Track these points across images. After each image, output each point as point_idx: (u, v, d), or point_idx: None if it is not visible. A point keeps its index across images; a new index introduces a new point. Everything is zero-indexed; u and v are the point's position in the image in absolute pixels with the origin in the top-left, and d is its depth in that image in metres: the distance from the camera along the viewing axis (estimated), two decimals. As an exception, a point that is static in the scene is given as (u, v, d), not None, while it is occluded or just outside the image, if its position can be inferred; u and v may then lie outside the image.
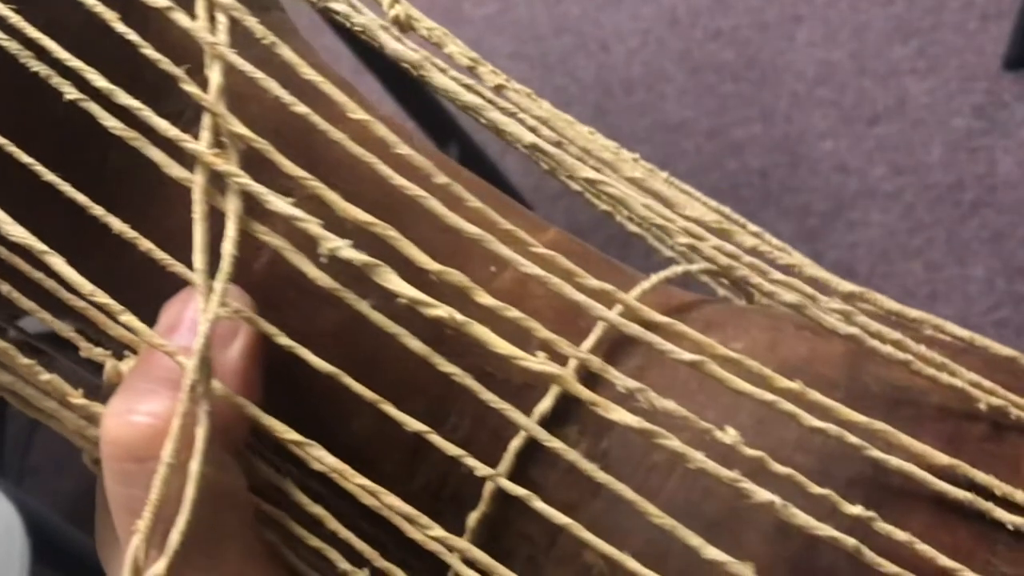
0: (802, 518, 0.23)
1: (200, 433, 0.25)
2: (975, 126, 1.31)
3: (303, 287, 0.26)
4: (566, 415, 0.27)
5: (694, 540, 0.24)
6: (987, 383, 0.24)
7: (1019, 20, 1.29)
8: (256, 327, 0.26)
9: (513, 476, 0.27)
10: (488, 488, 0.27)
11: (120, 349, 0.28)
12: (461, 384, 0.26)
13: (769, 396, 0.24)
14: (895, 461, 0.23)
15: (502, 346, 0.25)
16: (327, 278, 0.26)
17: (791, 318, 0.27)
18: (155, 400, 0.26)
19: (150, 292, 0.27)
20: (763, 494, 0.23)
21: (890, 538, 0.23)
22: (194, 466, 0.25)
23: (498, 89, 0.30)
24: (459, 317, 0.25)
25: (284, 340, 0.26)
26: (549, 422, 0.27)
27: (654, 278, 0.29)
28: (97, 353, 0.28)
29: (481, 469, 0.25)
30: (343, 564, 0.27)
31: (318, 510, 0.27)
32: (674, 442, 0.24)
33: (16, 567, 0.84)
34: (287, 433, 0.26)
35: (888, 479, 0.24)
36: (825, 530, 0.23)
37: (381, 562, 0.26)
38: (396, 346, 0.26)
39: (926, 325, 0.27)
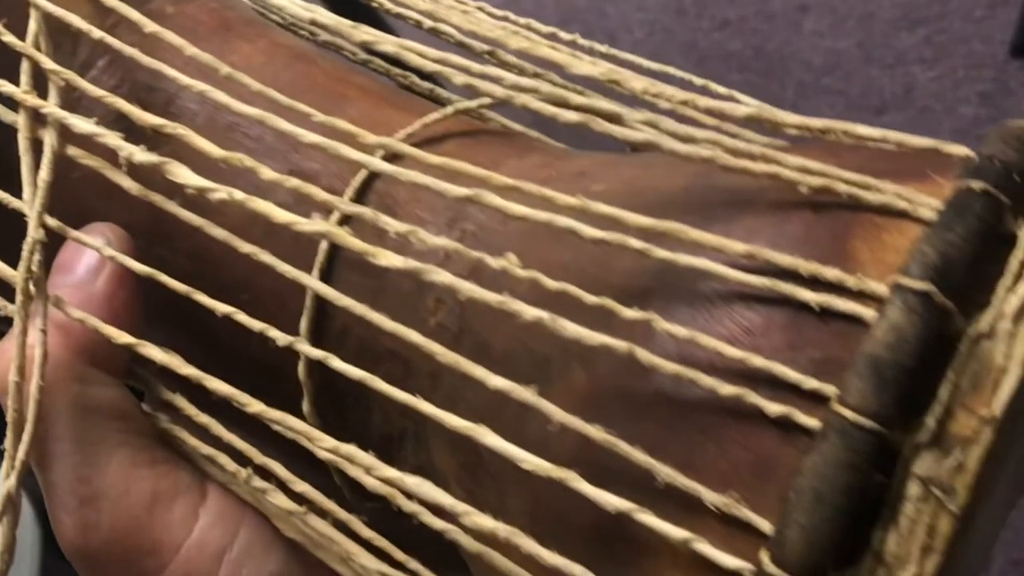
0: (571, 329, 0.23)
1: (37, 352, 0.27)
2: (982, 114, 1.31)
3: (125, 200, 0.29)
4: (347, 268, 0.29)
5: (478, 371, 0.24)
6: (814, 165, 0.23)
7: (1026, 7, 1.29)
8: (116, 260, 0.29)
9: (316, 340, 0.28)
10: (302, 362, 0.29)
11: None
12: (262, 263, 0.27)
13: (545, 215, 0.24)
14: (683, 258, 0.22)
15: (279, 215, 0.26)
16: (136, 187, 0.28)
17: (662, 158, 0.27)
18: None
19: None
20: (531, 312, 0.23)
21: (671, 336, 0.22)
22: (32, 386, 0.27)
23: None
24: (238, 195, 0.26)
25: (141, 267, 0.28)
26: (329, 277, 0.28)
27: (429, 117, 0.30)
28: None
29: (282, 339, 0.26)
30: (231, 466, 0.28)
31: (205, 419, 0.28)
32: (442, 275, 0.24)
33: (27, 556, 0.84)
34: (145, 347, 0.28)
35: (678, 279, 0.23)
36: (595, 338, 0.22)
37: (261, 459, 0.28)
38: (219, 249, 0.27)
39: (832, 132, 0.26)
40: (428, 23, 0.33)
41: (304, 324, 0.29)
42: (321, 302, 0.28)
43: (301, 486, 0.28)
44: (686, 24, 1.42)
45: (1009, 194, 0.21)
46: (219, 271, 0.30)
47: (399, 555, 0.27)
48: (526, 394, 0.23)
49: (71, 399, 0.28)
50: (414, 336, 0.25)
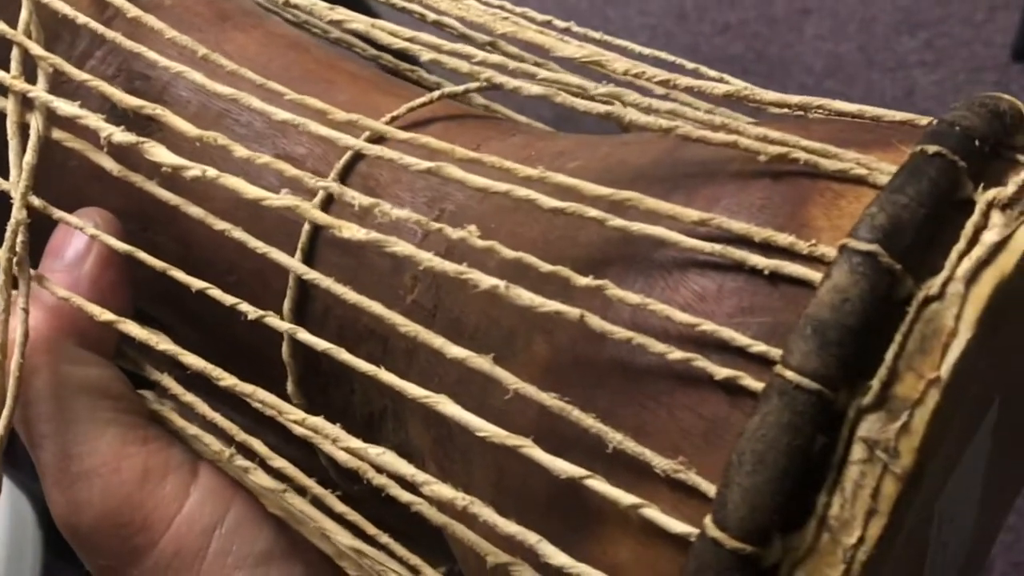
0: (526, 296, 0.23)
1: (18, 330, 0.28)
2: (983, 117, 1.30)
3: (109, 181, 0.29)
4: (328, 247, 0.29)
5: (436, 341, 0.24)
6: (774, 134, 0.23)
7: (1027, 11, 1.29)
8: (101, 242, 0.29)
9: (299, 320, 0.29)
10: (285, 343, 0.29)
11: None
12: (236, 240, 0.27)
13: (504, 186, 0.24)
14: (638, 226, 0.22)
15: (250, 191, 0.26)
16: (117, 167, 0.29)
17: (641, 136, 0.27)
18: None
19: None
20: (488, 280, 0.23)
21: (623, 303, 0.22)
22: (12, 363, 0.28)
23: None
24: (211, 172, 0.27)
25: (123, 246, 0.29)
26: (311, 257, 0.29)
27: (415, 101, 0.30)
28: None
29: (252, 312, 0.27)
30: (216, 445, 0.29)
31: (190, 398, 0.29)
32: (400, 246, 0.24)
33: (30, 558, 0.84)
34: (125, 324, 0.29)
35: (634, 247, 0.23)
36: (548, 305, 0.22)
37: (242, 436, 0.28)
38: (204, 232, 0.28)
39: (810, 107, 0.26)
40: (416, 8, 0.33)
41: (287, 305, 0.29)
42: (303, 283, 0.28)
43: (279, 462, 0.28)
44: (687, 28, 1.42)
45: (967, 159, 0.21)
46: (205, 254, 0.30)
47: (371, 529, 0.27)
48: (483, 363, 0.23)
49: (60, 379, 0.28)
50: (382, 310, 0.25)
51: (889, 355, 0.19)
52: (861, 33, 1.38)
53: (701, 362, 0.21)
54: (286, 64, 0.32)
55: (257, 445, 0.28)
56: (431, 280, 0.27)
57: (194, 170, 0.27)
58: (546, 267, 0.23)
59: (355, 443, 0.25)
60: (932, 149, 0.21)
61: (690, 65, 0.33)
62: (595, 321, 0.22)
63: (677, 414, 0.21)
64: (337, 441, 0.25)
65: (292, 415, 0.26)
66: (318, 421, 0.26)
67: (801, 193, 0.22)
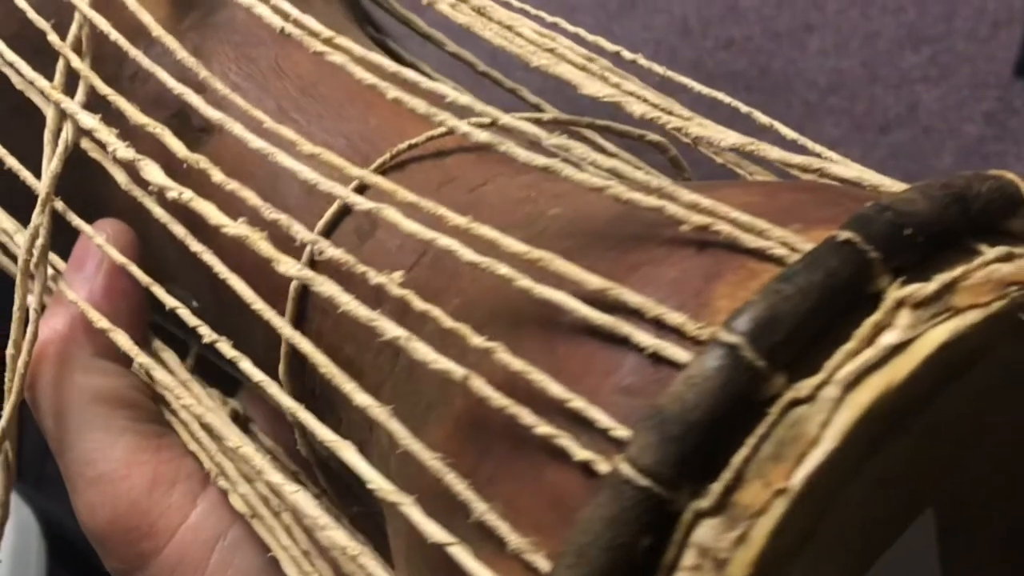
0: (421, 351, 0.22)
1: (28, 330, 0.29)
2: (987, 133, 1.31)
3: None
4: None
5: (347, 386, 0.24)
6: (705, 203, 0.21)
7: (1030, 27, 1.29)
8: (109, 254, 0.30)
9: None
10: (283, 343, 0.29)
11: None
12: (207, 263, 0.28)
13: (430, 234, 0.24)
14: (538, 289, 0.22)
15: (214, 217, 0.27)
16: (125, 180, 0.30)
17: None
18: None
19: None
20: (393, 330, 0.23)
21: (506, 368, 0.21)
22: (19, 361, 0.30)
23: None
24: (186, 195, 0.27)
25: (119, 256, 0.30)
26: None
27: (438, 130, 0.30)
28: None
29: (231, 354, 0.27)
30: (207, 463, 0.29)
31: (185, 375, 0.30)
32: (326, 286, 0.25)
33: (33, 569, 0.84)
34: (115, 333, 0.30)
35: (534, 309, 0.22)
36: (440, 363, 0.22)
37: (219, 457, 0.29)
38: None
39: (809, 169, 0.25)
40: (438, 37, 0.34)
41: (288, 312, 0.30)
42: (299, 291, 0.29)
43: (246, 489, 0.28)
44: (691, 44, 1.42)
45: (889, 249, 0.19)
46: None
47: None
48: (379, 413, 0.23)
49: (79, 389, 0.30)
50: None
51: (737, 458, 0.18)
52: (864, 49, 1.38)
53: (565, 440, 0.20)
54: (334, 84, 0.32)
55: (230, 469, 0.29)
56: None
57: (173, 191, 0.28)
58: (448, 323, 0.23)
59: (275, 478, 0.26)
60: (844, 236, 0.19)
61: (705, 90, 0.33)
62: (476, 384, 0.21)
63: (543, 490, 0.20)
64: (261, 474, 0.26)
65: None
66: (248, 451, 0.27)
67: (714, 269, 0.21)
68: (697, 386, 0.18)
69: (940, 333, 0.19)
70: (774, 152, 0.25)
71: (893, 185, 0.24)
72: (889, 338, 0.19)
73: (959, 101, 1.32)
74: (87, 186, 0.32)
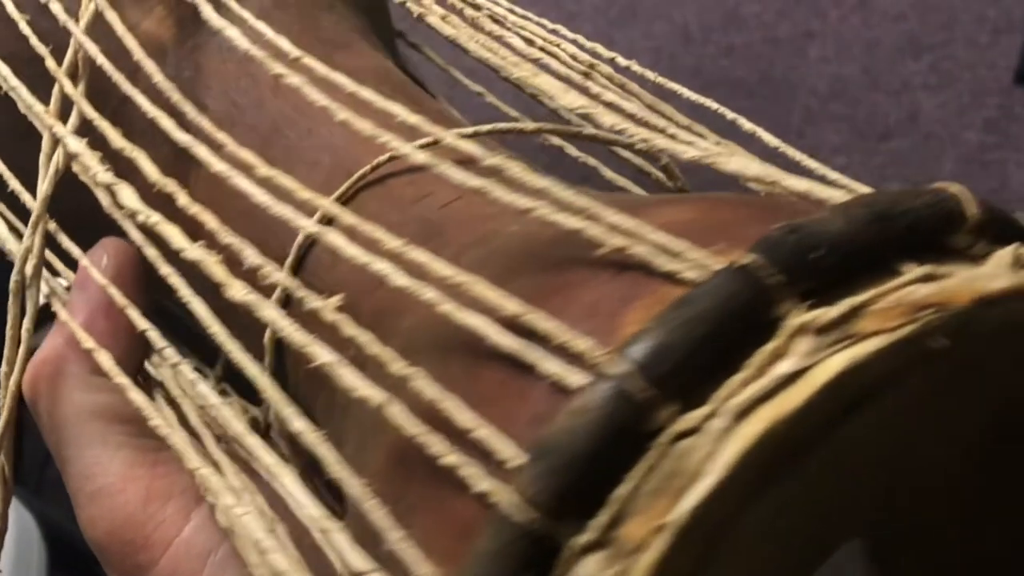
0: (347, 378, 0.22)
1: (21, 350, 0.31)
2: (987, 140, 1.31)
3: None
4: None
5: (285, 411, 0.24)
6: (627, 224, 0.21)
7: (1031, 34, 1.29)
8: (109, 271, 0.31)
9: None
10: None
11: None
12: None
13: (365, 259, 0.24)
14: (458, 314, 0.21)
15: (176, 240, 0.27)
16: (108, 202, 0.30)
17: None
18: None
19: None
20: (325, 355, 0.23)
21: (420, 395, 0.21)
22: (12, 379, 0.31)
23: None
24: (153, 219, 0.28)
25: (100, 278, 0.30)
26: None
27: (419, 142, 0.29)
28: None
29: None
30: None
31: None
32: (268, 311, 0.25)
33: (35, 574, 0.84)
34: (99, 353, 0.30)
35: (455, 336, 0.22)
36: (361, 389, 0.22)
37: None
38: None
39: (765, 182, 0.24)
40: (429, 54, 0.34)
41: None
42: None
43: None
44: (692, 50, 1.42)
45: (790, 273, 0.18)
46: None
47: None
48: (312, 439, 0.23)
49: (77, 405, 0.31)
50: (366, 341, 0.25)
51: (621, 491, 0.17)
52: (865, 56, 1.38)
53: (469, 470, 0.20)
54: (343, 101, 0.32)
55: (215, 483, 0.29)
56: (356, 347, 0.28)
57: (141, 215, 0.28)
58: (375, 348, 0.22)
59: (229, 501, 0.26)
60: (745, 260, 0.18)
61: (695, 96, 0.33)
62: (392, 411, 0.21)
63: (451, 520, 0.20)
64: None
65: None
66: (205, 472, 0.27)
67: (630, 293, 0.20)
68: (582, 417, 0.18)
69: (838, 361, 0.18)
70: (731, 164, 0.25)
71: (844, 199, 0.22)
72: (784, 367, 0.18)
73: (960, 108, 1.32)
74: (85, 206, 0.32)
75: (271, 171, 0.28)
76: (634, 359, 0.18)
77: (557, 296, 0.21)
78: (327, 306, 0.24)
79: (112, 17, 0.32)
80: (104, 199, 0.30)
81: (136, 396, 0.29)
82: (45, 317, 0.34)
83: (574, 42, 0.35)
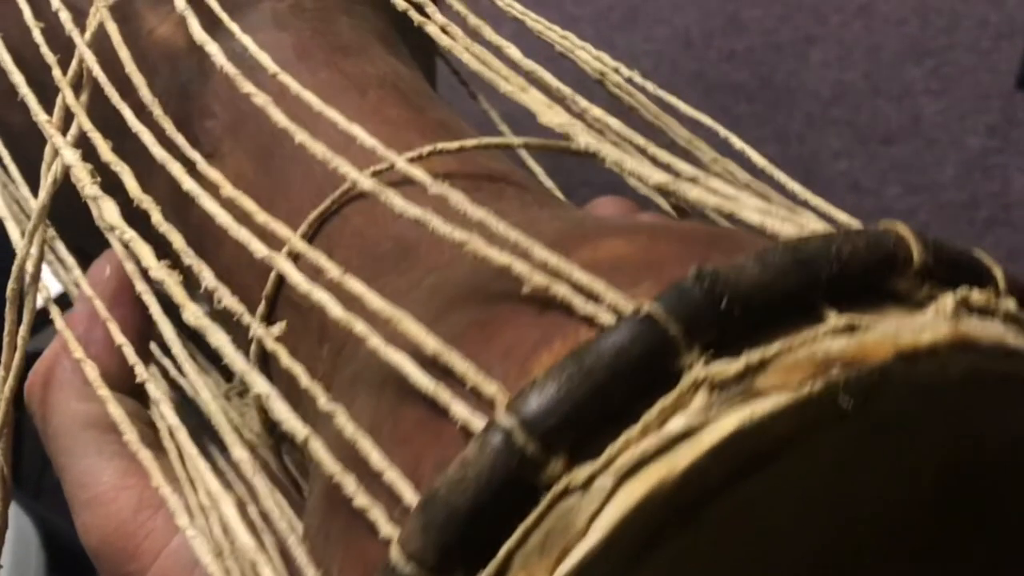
0: (277, 409, 0.22)
1: (16, 356, 0.31)
2: (989, 145, 1.30)
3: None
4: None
5: (227, 438, 0.24)
6: (554, 262, 0.20)
7: (1033, 39, 1.29)
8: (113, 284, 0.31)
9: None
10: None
11: None
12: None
13: (307, 287, 0.24)
14: (383, 350, 0.21)
15: (150, 265, 0.27)
16: (96, 214, 0.30)
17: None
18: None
19: None
20: (262, 385, 0.23)
21: (341, 434, 0.21)
22: (6, 386, 0.31)
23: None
24: (127, 235, 0.28)
25: (88, 290, 0.30)
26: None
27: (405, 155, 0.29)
28: None
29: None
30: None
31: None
32: (215, 337, 0.25)
33: (33, 579, 0.84)
34: (86, 364, 0.30)
35: (382, 372, 0.22)
36: (289, 423, 0.22)
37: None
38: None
39: (722, 212, 0.23)
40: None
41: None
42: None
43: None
44: (693, 55, 1.42)
45: (693, 324, 0.17)
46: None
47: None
48: (248, 469, 0.23)
49: (73, 414, 0.31)
50: (299, 373, 0.25)
51: (505, 548, 0.17)
52: (867, 61, 1.38)
53: (373, 513, 0.19)
54: (344, 111, 0.31)
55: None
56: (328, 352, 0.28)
57: (118, 231, 0.29)
58: (305, 380, 0.22)
59: (182, 522, 0.26)
60: (647, 309, 0.18)
61: (692, 111, 0.33)
62: (315, 446, 0.21)
63: (360, 560, 0.20)
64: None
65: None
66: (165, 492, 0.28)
67: (546, 335, 0.20)
68: (467, 470, 0.17)
69: (730, 421, 0.17)
70: (692, 193, 0.24)
71: (795, 233, 0.21)
72: (676, 424, 0.17)
73: (961, 113, 1.32)
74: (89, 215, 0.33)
75: (235, 192, 0.27)
76: (522, 412, 0.17)
77: (483, 333, 0.21)
78: (267, 335, 0.24)
79: (112, 29, 0.32)
80: (94, 211, 0.31)
81: (114, 410, 0.29)
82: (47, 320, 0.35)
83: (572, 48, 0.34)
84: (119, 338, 0.30)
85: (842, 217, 0.26)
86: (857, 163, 1.31)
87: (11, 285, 0.31)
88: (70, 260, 0.33)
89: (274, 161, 0.32)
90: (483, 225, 0.23)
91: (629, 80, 0.36)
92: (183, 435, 0.27)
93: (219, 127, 0.31)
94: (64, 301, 0.36)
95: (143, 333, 0.32)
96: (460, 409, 0.19)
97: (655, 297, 0.18)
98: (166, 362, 0.35)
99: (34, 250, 0.32)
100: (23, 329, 0.31)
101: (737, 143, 0.31)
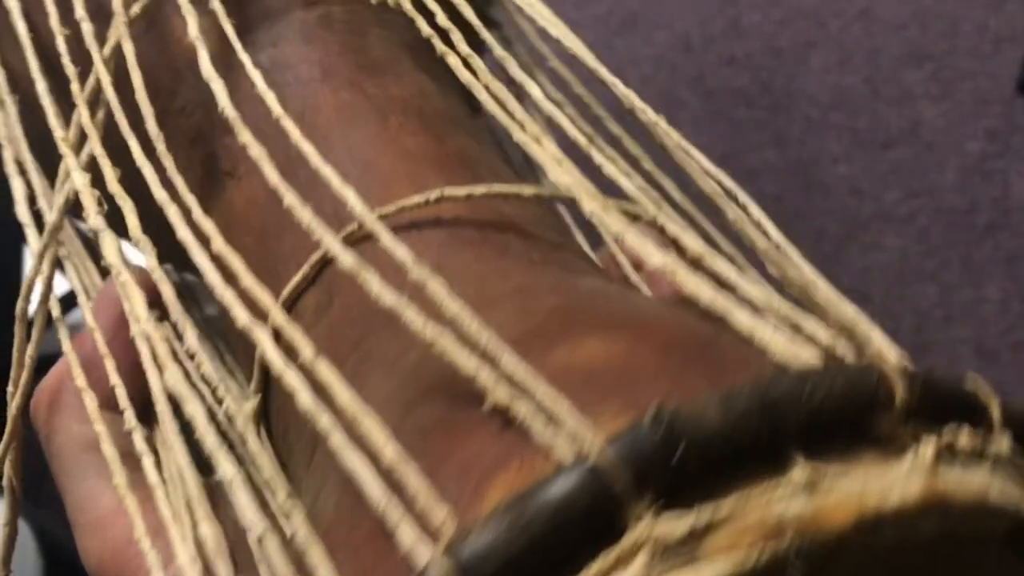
0: (241, 502, 0.22)
1: (24, 375, 0.31)
2: (989, 149, 1.30)
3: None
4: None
5: (217, 460, 0.23)
6: (520, 376, 0.19)
7: (1032, 44, 1.29)
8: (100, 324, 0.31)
9: None
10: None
11: None
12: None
13: (280, 365, 0.23)
14: (343, 450, 0.20)
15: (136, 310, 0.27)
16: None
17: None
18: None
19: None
20: (225, 469, 0.22)
21: (319, 519, 0.20)
22: (15, 401, 0.31)
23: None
24: (123, 277, 0.28)
25: (88, 314, 0.30)
26: None
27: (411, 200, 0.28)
28: None
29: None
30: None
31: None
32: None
33: (30, 588, 0.84)
34: (86, 393, 0.30)
35: (338, 464, 0.21)
36: (247, 515, 0.21)
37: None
38: None
39: (713, 312, 0.22)
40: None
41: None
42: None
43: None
44: (693, 59, 1.42)
45: (642, 477, 0.16)
46: None
47: None
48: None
49: (74, 437, 0.31)
50: (264, 463, 0.24)
51: None
52: (866, 65, 1.38)
53: None
54: (362, 136, 0.31)
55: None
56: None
57: (114, 270, 0.28)
58: (268, 472, 0.22)
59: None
60: (596, 458, 0.17)
61: (709, 165, 0.32)
62: (268, 546, 0.21)
63: None
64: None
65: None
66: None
67: (503, 457, 0.19)
68: None
69: None
70: (689, 284, 0.22)
71: (797, 356, 0.20)
72: None
73: (961, 118, 1.32)
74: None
75: (225, 248, 0.26)
76: (460, 555, 0.16)
77: (447, 438, 0.20)
78: (240, 412, 0.24)
79: (128, 49, 0.30)
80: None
81: (108, 449, 0.29)
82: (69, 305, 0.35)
83: (572, 59, 0.34)
84: (114, 378, 0.29)
85: (848, 311, 0.23)
86: (857, 167, 1.31)
87: (19, 304, 0.31)
88: (77, 284, 0.33)
89: (299, 179, 0.31)
90: (456, 322, 0.22)
91: (630, 113, 0.35)
92: (189, 474, 0.26)
93: (239, 145, 0.31)
94: (71, 300, 0.37)
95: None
96: (406, 534, 0.18)
97: (609, 441, 0.17)
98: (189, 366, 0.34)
99: (45, 267, 0.31)
100: (30, 349, 0.31)
101: (755, 212, 0.30)
